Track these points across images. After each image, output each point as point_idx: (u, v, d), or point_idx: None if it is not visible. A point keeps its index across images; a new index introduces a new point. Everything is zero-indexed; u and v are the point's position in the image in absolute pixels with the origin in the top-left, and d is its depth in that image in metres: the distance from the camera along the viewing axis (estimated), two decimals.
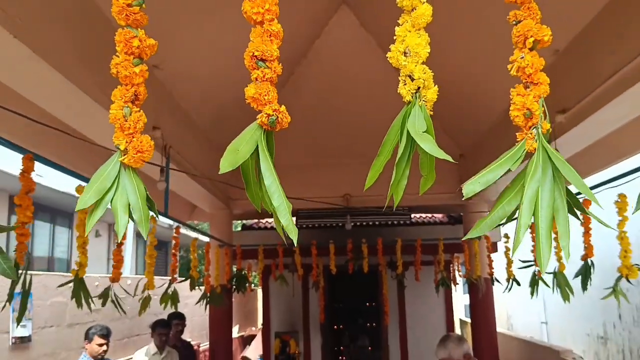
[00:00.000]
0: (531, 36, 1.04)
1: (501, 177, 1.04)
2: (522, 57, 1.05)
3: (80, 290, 2.86)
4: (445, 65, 4.39)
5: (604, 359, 7.14)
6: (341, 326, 9.21)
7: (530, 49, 1.06)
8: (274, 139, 1.12)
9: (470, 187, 1.04)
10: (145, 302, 3.90)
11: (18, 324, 2.52)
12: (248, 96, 1.07)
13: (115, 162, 1.14)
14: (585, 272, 3.82)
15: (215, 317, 6.92)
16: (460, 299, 13.38)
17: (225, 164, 1.08)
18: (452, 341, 3.88)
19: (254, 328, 13.78)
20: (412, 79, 1.10)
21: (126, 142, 1.11)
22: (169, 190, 4.04)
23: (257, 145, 1.10)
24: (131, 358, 6.09)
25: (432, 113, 1.08)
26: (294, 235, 1.03)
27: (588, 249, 3.80)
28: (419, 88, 1.08)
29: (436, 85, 1.11)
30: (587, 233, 3.88)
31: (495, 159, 1.09)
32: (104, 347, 5.24)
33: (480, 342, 7.26)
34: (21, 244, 2.26)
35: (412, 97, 1.09)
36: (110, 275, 3.52)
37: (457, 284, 9.69)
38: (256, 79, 1.06)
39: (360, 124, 5.87)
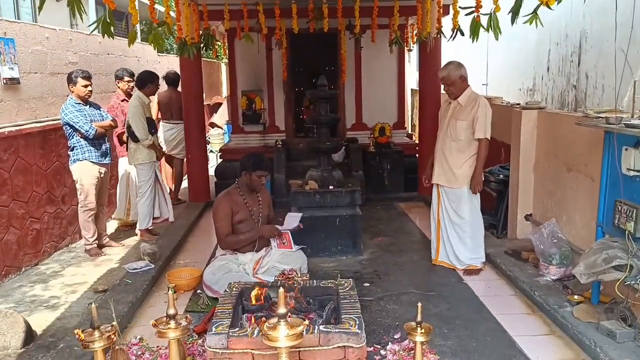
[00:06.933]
0: None
1: None
2: None
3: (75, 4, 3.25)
4: None
5: None
6: (302, 88, 9.60)
7: None
8: None
9: None
10: (133, 37, 4.36)
11: None
12: None
13: None
14: (516, 9, 4.42)
15: (188, 79, 7.49)
16: (414, 75, 14.17)
17: None
18: (453, 64, 4.64)
19: (219, 97, 14.50)
20: None
21: None
22: None
23: None
24: None
25: None
26: None
27: None
28: None
29: None
30: None
31: None
32: (89, 88, 5.74)
33: (425, 95, 8.23)
34: None
35: None
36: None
37: (410, 50, 10.28)
38: None
39: None
